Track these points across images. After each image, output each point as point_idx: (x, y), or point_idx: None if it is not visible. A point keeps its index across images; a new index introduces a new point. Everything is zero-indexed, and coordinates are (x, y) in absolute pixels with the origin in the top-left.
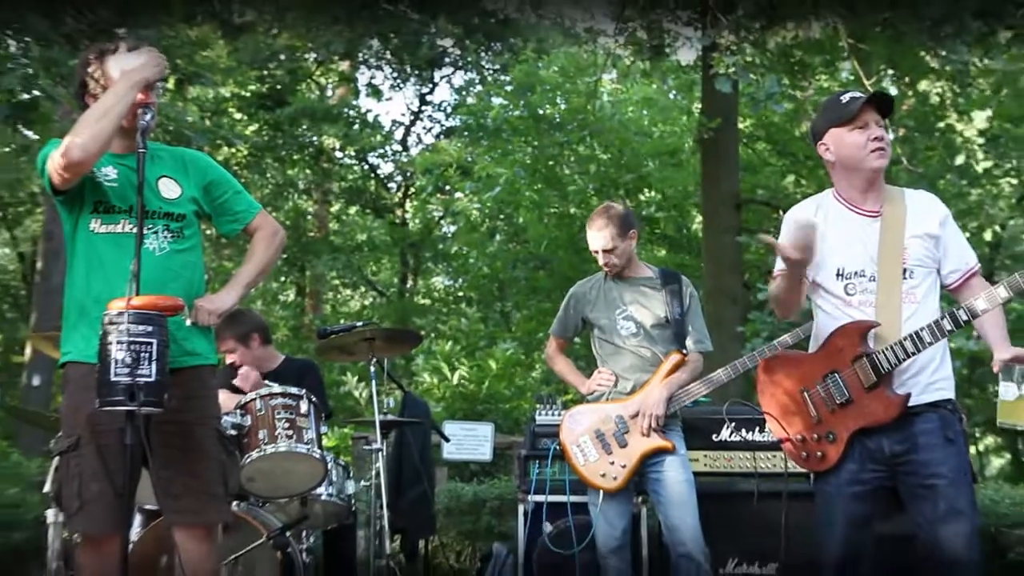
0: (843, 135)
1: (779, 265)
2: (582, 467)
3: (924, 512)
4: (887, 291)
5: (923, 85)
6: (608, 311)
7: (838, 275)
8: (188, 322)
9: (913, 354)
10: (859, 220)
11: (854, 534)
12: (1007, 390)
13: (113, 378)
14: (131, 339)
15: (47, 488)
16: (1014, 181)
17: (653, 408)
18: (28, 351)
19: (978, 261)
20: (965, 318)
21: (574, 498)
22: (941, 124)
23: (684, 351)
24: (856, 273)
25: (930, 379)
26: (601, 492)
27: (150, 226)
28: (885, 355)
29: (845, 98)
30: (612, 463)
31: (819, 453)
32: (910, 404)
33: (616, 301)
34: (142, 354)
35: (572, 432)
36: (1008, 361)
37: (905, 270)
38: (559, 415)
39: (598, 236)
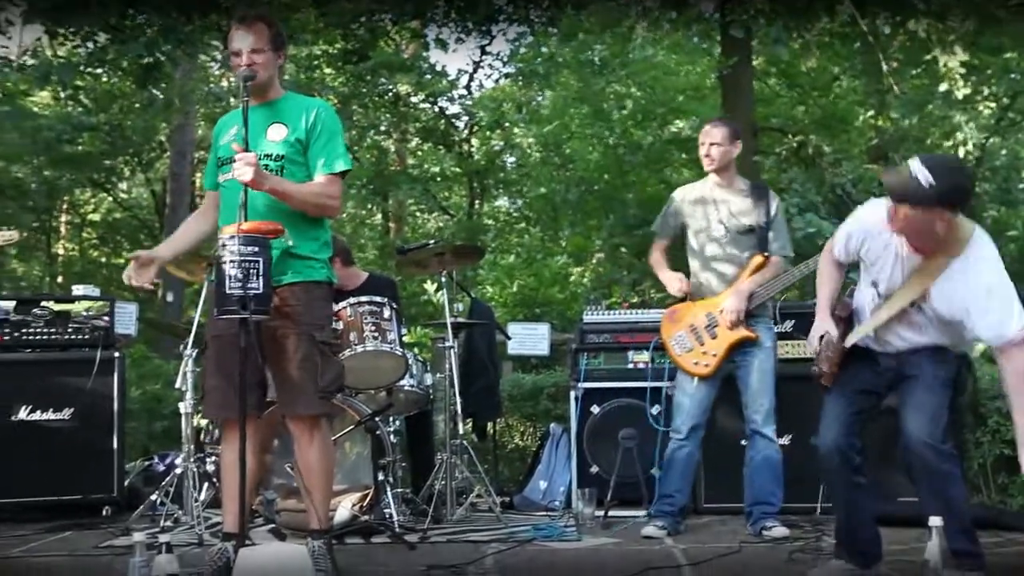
0: None
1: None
2: (679, 356)
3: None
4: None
5: (911, 24)
6: (704, 216)
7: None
8: (288, 243)
9: None
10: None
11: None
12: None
13: (228, 291)
14: (241, 258)
15: (178, 384)
16: (992, 105)
17: (736, 304)
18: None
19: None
20: None
21: (618, 384)
22: (927, 56)
23: (767, 254)
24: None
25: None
26: (695, 378)
27: None
28: None
29: None
30: (704, 353)
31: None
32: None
33: (711, 207)
34: (251, 270)
35: (671, 327)
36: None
37: None
38: (603, 314)
39: (713, 131)
